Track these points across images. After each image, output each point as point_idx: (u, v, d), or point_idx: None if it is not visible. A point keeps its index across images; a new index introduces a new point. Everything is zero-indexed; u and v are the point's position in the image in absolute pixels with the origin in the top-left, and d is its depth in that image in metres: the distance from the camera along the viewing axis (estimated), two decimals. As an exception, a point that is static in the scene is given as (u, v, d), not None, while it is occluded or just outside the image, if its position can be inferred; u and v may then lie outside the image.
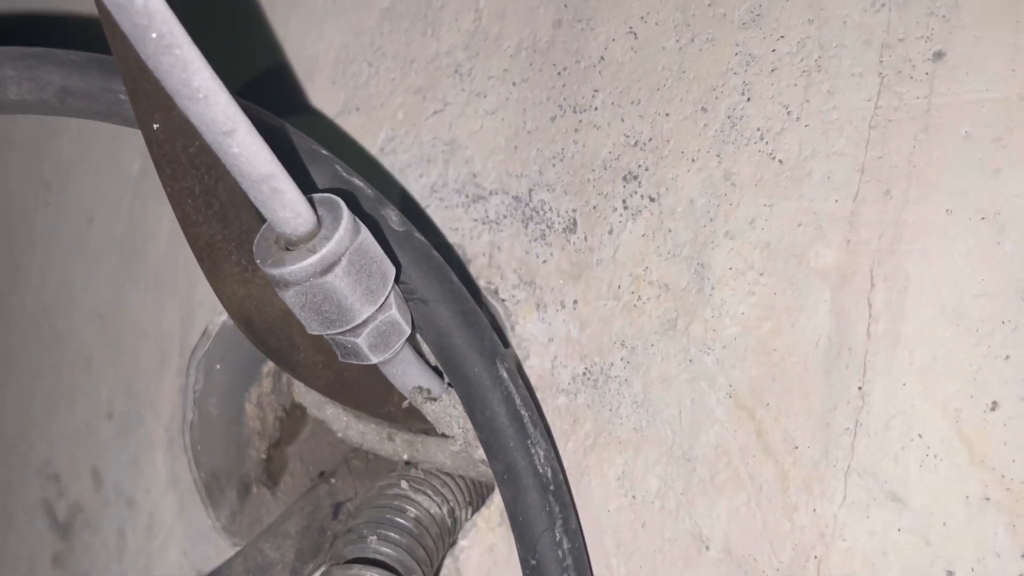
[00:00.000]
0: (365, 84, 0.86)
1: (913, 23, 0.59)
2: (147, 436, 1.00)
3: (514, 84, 0.77)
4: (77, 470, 1.09)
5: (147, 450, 1.00)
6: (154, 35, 0.50)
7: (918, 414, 0.57)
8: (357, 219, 0.61)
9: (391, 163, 0.83)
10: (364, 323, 0.63)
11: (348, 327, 0.62)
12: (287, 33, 0.93)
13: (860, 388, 0.59)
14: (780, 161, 0.63)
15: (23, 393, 1.18)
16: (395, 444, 0.76)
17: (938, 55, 0.59)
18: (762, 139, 0.64)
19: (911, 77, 0.59)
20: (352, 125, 0.86)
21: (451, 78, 0.81)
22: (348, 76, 0.87)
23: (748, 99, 0.65)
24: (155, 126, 0.64)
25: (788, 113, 0.63)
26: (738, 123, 0.65)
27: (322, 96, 0.89)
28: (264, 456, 0.81)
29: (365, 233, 0.61)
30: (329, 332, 0.63)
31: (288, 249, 0.60)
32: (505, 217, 0.76)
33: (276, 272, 0.59)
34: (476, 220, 0.77)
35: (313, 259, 0.58)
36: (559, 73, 0.74)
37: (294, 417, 0.83)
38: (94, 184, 1.10)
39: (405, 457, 0.76)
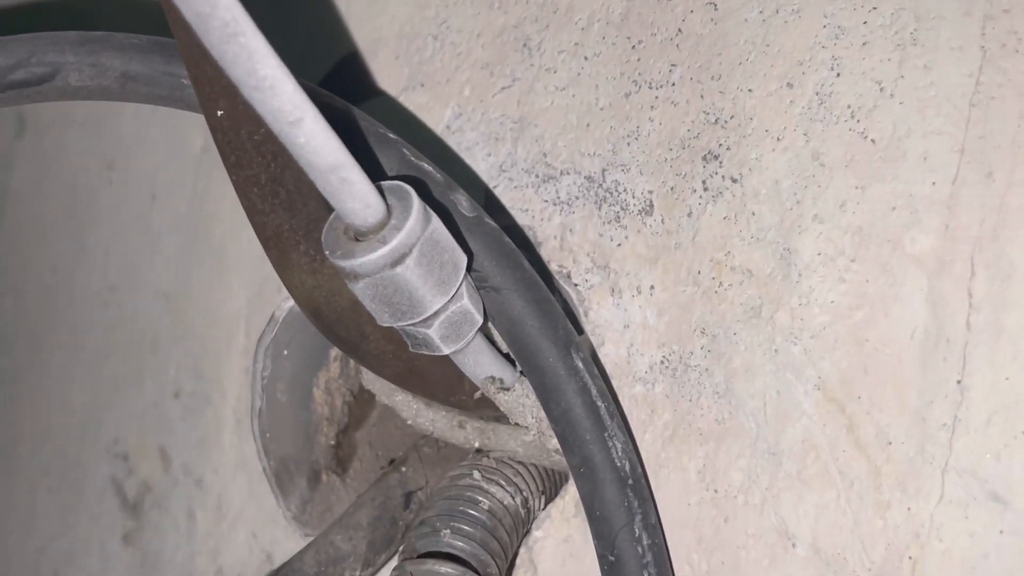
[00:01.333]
0: (430, 59, 0.84)
1: (1019, -8, 0.56)
2: (215, 417, 1.00)
3: (586, 59, 0.74)
4: (145, 449, 1.09)
5: (215, 431, 1.00)
6: (217, 23, 0.48)
7: (1022, 410, 0.54)
8: (427, 207, 0.59)
9: (458, 142, 0.81)
10: (436, 314, 0.61)
11: (420, 318, 0.60)
12: (349, 7, 0.91)
13: (959, 382, 0.56)
14: (872, 141, 0.60)
15: (91, 372, 1.18)
16: (466, 432, 0.74)
17: (1047, 26, 0.55)
18: (853, 117, 0.61)
19: (1017, 51, 0.55)
20: (417, 102, 0.84)
21: (519, 52, 0.78)
22: (412, 51, 0.85)
23: (838, 75, 0.61)
24: (219, 113, 0.62)
25: (881, 90, 0.60)
26: (827, 100, 0.62)
27: (386, 72, 0.87)
28: (333, 443, 0.80)
29: (436, 222, 0.59)
30: (400, 324, 0.61)
31: (358, 240, 0.58)
32: (577, 198, 0.73)
33: (346, 264, 0.57)
34: (547, 201, 0.75)
35: (383, 251, 0.56)
36: (633, 47, 0.71)
37: (362, 401, 0.82)
38: (156, 162, 1.09)
39: (476, 445, 0.74)
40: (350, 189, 0.55)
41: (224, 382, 0.99)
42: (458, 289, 0.61)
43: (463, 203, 0.66)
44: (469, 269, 0.64)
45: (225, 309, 0.99)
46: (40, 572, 1.23)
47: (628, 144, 0.71)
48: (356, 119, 0.66)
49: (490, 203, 0.77)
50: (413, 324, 0.61)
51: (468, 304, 0.63)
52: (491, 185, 0.78)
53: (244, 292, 0.97)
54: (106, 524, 1.14)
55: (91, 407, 1.18)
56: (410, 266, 0.57)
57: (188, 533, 1.03)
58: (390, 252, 0.57)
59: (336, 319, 0.67)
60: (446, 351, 0.63)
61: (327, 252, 0.59)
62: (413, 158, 0.66)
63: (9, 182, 1.32)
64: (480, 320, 0.64)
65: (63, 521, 1.22)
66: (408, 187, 0.59)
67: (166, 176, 1.07)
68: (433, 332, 0.62)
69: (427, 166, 0.66)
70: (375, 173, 0.65)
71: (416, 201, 0.58)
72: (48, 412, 1.25)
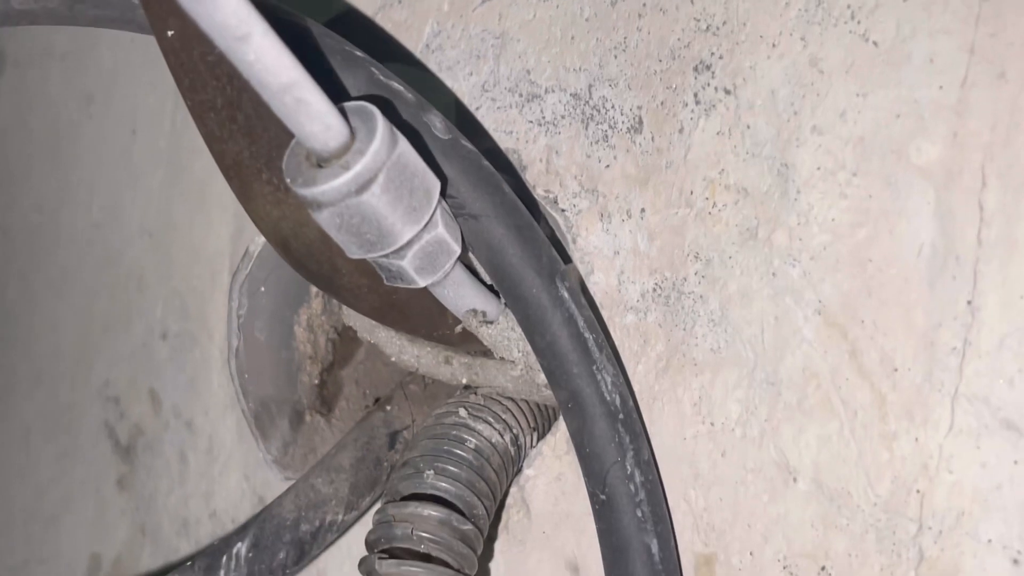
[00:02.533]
0: (407, -26, 0.79)
1: None
2: (202, 357, 0.97)
3: (569, -34, 0.69)
4: (136, 392, 1.06)
5: (203, 372, 0.97)
6: (148, -71, 0.43)
7: (1039, 331, 0.50)
8: (394, 129, 0.55)
9: (438, 60, 0.76)
10: (408, 244, 0.57)
11: (391, 249, 0.57)
12: (323, -79, 0.85)
13: (970, 302, 0.52)
14: (874, 43, 0.55)
15: (80, 312, 1.15)
16: (453, 368, 0.70)
17: (1066, -92, 0.49)
18: (853, 18, 0.56)
19: (1032, -64, 0.50)
20: (395, 19, 0.79)
21: (500, -37, 0.73)
22: (389, -34, 0.80)
23: (836, -29, 0.56)
24: (169, 33, 0.58)
25: (884, -14, 0.55)
26: (824, 0, 0.57)
27: (362, -11, 0.82)
28: (317, 381, 0.77)
29: (404, 144, 0.55)
30: (371, 255, 0.57)
31: (320, 166, 0.54)
32: (563, 117, 0.69)
33: (307, 192, 0.53)
34: (531, 122, 0.70)
35: (347, 176, 0.52)
36: (619, -49, 0.66)
37: (347, 339, 0.78)
38: (136, 95, 1.05)
39: (464, 381, 0.70)
40: (307, 110, 0.51)
41: (210, 321, 0.95)
42: (431, 216, 0.57)
43: (437, 125, 0.62)
44: (444, 195, 0.60)
45: (208, 246, 0.95)
46: (39, 517, 1.22)
47: (615, 57, 0.66)
48: (318, 36, 0.62)
49: (469, 125, 0.73)
50: (385, 255, 0.57)
51: (443, 232, 0.59)
52: (473, 107, 0.74)
53: (226, 228, 0.93)
54: (100, 468, 1.12)
55: (81, 349, 1.15)
56: (376, 192, 0.53)
57: (181, 476, 1.00)
58: (354, 178, 0.52)
59: (306, 252, 0.63)
60: (422, 283, 0.60)
61: (288, 180, 0.54)
62: (382, 77, 0.62)
63: (-9, 120, 1.28)
64: (458, 250, 0.60)
65: (59, 466, 1.20)
66: (373, 107, 0.54)
67: (146, 109, 1.03)
68: (407, 263, 0.58)
69: (397, 85, 0.62)
70: (340, 94, 0.61)
71: (381, 122, 0.53)
72: (40, 355, 1.23)
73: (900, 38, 0.54)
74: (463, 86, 0.74)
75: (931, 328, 0.53)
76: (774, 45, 0.59)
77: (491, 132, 0.73)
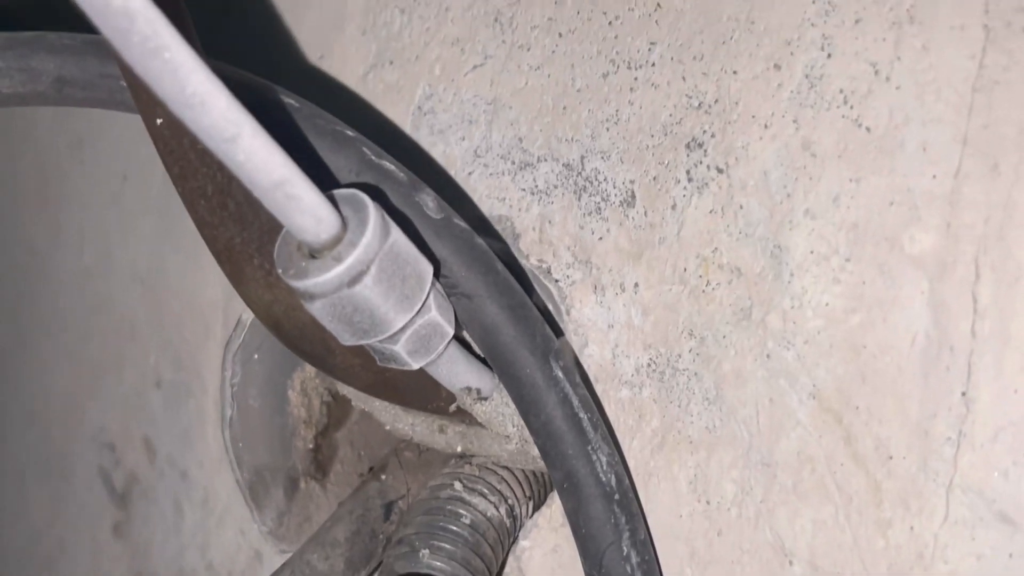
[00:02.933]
0: (398, 34, 0.78)
1: (1027, -36, 0.50)
2: (196, 408, 0.97)
3: (560, 35, 0.68)
4: (130, 440, 1.06)
5: (198, 423, 0.96)
6: (137, 38, 0.43)
7: (1033, 426, 0.50)
8: (386, 217, 0.54)
9: (430, 123, 0.76)
10: (402, 330, 0.57)
11: (384, 336, 0.56)
12: (312, -24, 0.85)
13: (964, 394, 0.52)
14: (867, 129, 0.55)
15: (71, 356, 1.15)
16: (447, 436, 0.70)
17: (1058, 4, 0.49)
18: (846, 103, 0.56)
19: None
20: (386, 80, 0.79)
21: (490, 28, 0.72)
22: (380, 25, 0.80)
23: (828, 55, 0.56)
24: (158, 121, 0.58)
25: (876, 72, 0.54)
26: (817, 83, 0.57)
27: (353, 47, 0.81)
28: (312, 446, 0.77)
29: (396, 233, 0.54)
30: (364, 342, 0.57)
31: (312, 256, 0.54)
32: (556, 187, 0.68)
33: (299, 284, 0.53)
34: (524, 190, 0.70)
35: (339, 269, 0.52)
36: (610, 23, 0.66)
37: (341, 401, 0.78)
38: (127, 141, 1.04)
39: (458, 449, 0.70)
40: (298, 205, 0.51)
41: (204, 373, 0.95)
42: (425, 302, 0.57)
43: (429, 204, 0.61)
44: (437, 276, 0.60)
45: (202, 297, 0.95)
46: (34, 560, 1.21)
47: (607, 129, 0.66)
48: (309, 117, 0.62)
49: (459, 195, 0.73)
50: (378, 341, 0.57)
51: (436, 316, 0.58)
52: (466, 172, 0.73)
53: (220, 280, 0.92)
54: (96, 514, 1.12)
55: (74, 393, 1.15)
56: (368, 284, 0.53)
57: (176, 526, 1.00)
58: (346, 271, 0.52)
59: (298, 333, 0.63)
60: (415, 366, 0.59)
61: (280, 271, 0.54)
62: (374, 157, 0.62)
63: (-20, 160, 1.28)
64: (451, 332, 0.59)
65: (54, 510, 1.19)
66: (364, 196, 0.54)
67: (137, 156, 1.03)
68: (400, 348, 0.58)
69: (389, 165, 0.62)
70: (330, 179, 0.61)
71: (373, 212, 0.53)
72: (32, 396, 1.22)
73: (893, 125, 0.54)
74: (455, 150, 0.74)
75: (926, 417, 0.53)
76: (766, 126, 0.59)
77: (484, 198, 0.72)
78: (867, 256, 0.55)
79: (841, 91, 0.56)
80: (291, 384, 0.76)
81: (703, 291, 0.61)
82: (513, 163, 0.71)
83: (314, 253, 0.54)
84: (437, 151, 0.75)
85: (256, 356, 0.73)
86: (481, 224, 0.72)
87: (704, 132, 0.61)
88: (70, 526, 1.16)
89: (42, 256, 1.19)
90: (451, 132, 0.74)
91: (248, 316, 0.72)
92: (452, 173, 0.74)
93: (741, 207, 0.60)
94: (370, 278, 0.53)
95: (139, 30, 0.43)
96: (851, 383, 0.55)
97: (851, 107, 0.55)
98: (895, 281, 0.54)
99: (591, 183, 0.66)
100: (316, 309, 0.54)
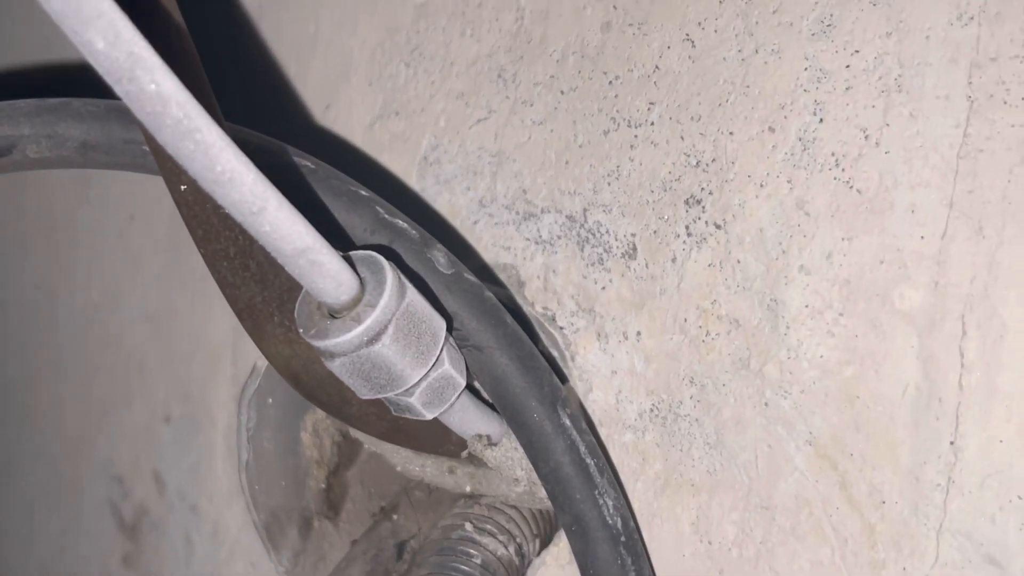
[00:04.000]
0: (404, 87, 0.81)
1: (1007, 40, 0.53)
2: (205, 443, 0.99)
3: (562, 92, 0.71)
4: (139, 473, 1.08)
5: (206, 458, 0.99)
6: (170, 121, 0.46)
7: (1017, 474, 0.53)
8: (402, 277, 0.57)
9: (436, 173, 0.79)
10: (417, 383, 0.60)
11: (400, 390, 0.59)
12: (318, 27, 0.88)
13: (952, 443, 0.55)
14: (858, 191, 0.58)
15: (80, 391, 1.17)
16: (456, 477, 0.73)
17: (1036, 78, 0.52)
18: (837, 165, 0.59)
19: (1005, 102, 0.53)
20: (392, 131, 0.82)
21: (494, 83, 0.75)
22: (386, 77, 0.82)
23: (820, 120, 0.59)
24: (183, 188, 0.60)
25: (866, 137, 0.58)
26: (810, 146, 0.60)
27: (359, 98, 0.84)
28: (324, 485, 0.79)
29: (412, 293, 0.57)
30: (381, 395, 0.60)
31: (332, 316, 0.57)
32: (559, 238, 0.71)
33: (320, 344, 0.56)
34: (528, 240, 0.73)
35: (358, 330, 0.55)
36: (611, 82, 0.69)
37: (352, 440, 0.81)
38: (134, 180, 1.06)
39: (468, 489, 0.73)
40: (320, 270, 0.54)
41: (213, 409, 0.97)
42: (439, 356, 0.60)
43: (440, 260, 0.64)
44: (450, 330, 0.62)
45: (210, 335, 0.98)
46: (43, 591, 1.24)
47: (609, 184, 0.69)
48: (326, 178, 0.64)
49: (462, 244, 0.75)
50: (395, 394, 0.60)
51: (449, 369, 0.61)
52: (471, 220, 0.76)
53: (228, 319, 0.95)
54: (105, 545, 1.14)
55: (83, 427, 1.17)
56: (386, 343, 0.56)
57: (186, 559, 1.03)
58: (365, 331, 0.55)
59: (316, 385, 0.65)
60: (429, 416, 0.62)
61: (301, 331, 0.57)
62: (387, 215, 0.64)
63: (-14, 196, 1.30)
64: (463, 383, 0.62)
65: (62, 541, 1.22)
66: (380, 259, 0.57)
67: (144, 196, 1.05)
68: (415, 400, 0.61)
69: (402, 223, 0.65)
70: (345, 240, 0.64)
71: (389, 274, 0.56)
72: (41, 430, 1.24)
73: (883, 188, 0.57)
74: (461, 200, 0.77)
75: (916, 464, 0.56)
76: (762, 185, 0.61)
77: (489, 247, 0.75)
78: (859, 311, 0.58)
79: (833, 154, 0.59)
80: (303, 426, 0.79)
81: (703, 341, 0.64)
82: (517, 213, 0.73)
83: (334, 313, 0.57)
84: (443, 200, 0.78)
85: (270, 400, 0.76)
86: (484, 271, 0.75)
87: (702, 189, 0.64)
88: (80, 557, 1.18)
89: (50, 293, 1.21)
90: (456, 182, 0.77)
91: (263, 363, 0.75)
92: (458, 222, 0.77)
93: (739, 262, 0.62)
94: (388, 337, 0.55)
95: (172, 114, 0.46)
96: (845, 431, 0.58)
97: (843, 169, 0.58)
98: (886, 335, 0.57)
99: (594, 235, 0.69)
100: (336, 366, 0.57)
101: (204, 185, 0.48)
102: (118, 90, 0.44)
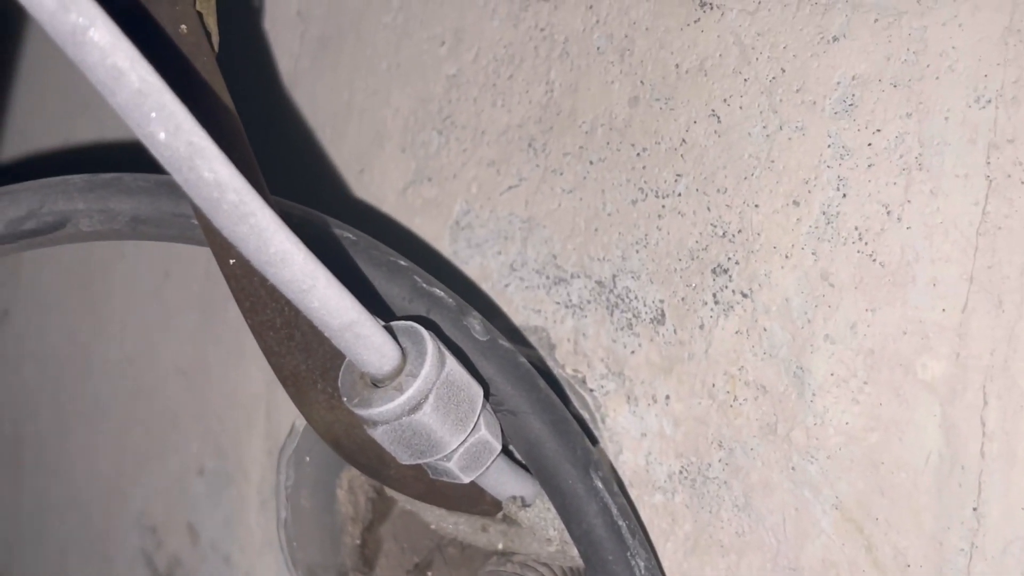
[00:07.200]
0: (436, 154, 0.84)
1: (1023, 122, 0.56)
2: (238, 496, 1.01)
3: (591, 163, 0.74)
4: (173, 524, 1.10)
5: (240, 511, 1.01)
6: (227, 207, 0.48)
7: (1039, 540, 0.55)
8: (442, 347, 0.60)
9: (467, 237, 0.81)
10: (455, 449, 0.62)
11: (439, 456, 0.61)
12: (352, 95, 0.91)
13: (975, 509, 0.57)
14: (881, 264, 0.60)
15: (115, 443, 1.20)
16: (489, 535, 0.75)
17: (1052, 160, 0.55)
18: (860, 239, 0.61)
19: (1022, 182, 0.55)
20: (425, 196, 0.84)
21: (525, 152, 0.78)
22: (418, 145, 0.85)
23: (844, 195, 0.62)
24: (231, 262, 0.63)
25: (888, 213, 0.60)
26: (834, 220, 0.62)
27: (392, 164, 0.87)
28: (359, 542, 0.81)
29: (451, 363, 0.60)
30: (420, 461, 0.62)
31: (375, 385, 0.59)
32: (589, 302, 0.74)
33: (364, 413, 0.58)
34: (559, 303, 0.75)
35: (401, 399, 0.57)
36: (638, 154, 0.71)
37: (385, 496, 0.83)
38: (168, 238, 1.09)
39: (500, 547, 0.75)
40: (365, 342, 0.56)
41: (246, 463, 1.00)
42: (476, 422, 0.62)
43: (476, 327, 0.67)
44: (486, 396, 0.65)
45: (244, 390, 1.00)
46: (76, 640, 1.26)
47: (637, 252, 0.71)
48: (367, 249, 0.67)
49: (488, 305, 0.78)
50: (433, 459, 0.62)
51: (486, 434, 0.63)
52: (503, 284, 0.79)
53: (262, 375, 0.97)
54: (138, 596, 1.16)
55: (116, 478, 1.19)
56: (427, 412, 0.58)
57: (220, 610, 1.05)
58: (407, 400, 0.58)
59: (357, 449, 0.68)
60: (466, 480, 0.64)
61: (344, 399, 0.59)
62: (424, 284, 0.67)
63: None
64: (499, 447, 0.64)
65: (95, 590, 1.24)
66: (421, 329, 0.59)
67: (179, 253, 1.08)
68: (453, 464, 0.63)
69: (439, 292, 0.67)
70: (386, 306, 0.66)
71: (430, 345, 0.58)
72: (74, 481, 1.27)
73: (905, 261, 0.59)
74: (492, 263, 0.79)
75: (940, 530, 0.58)
76: (787, 256, 0.64)
77: (520, 309, 0.78)
78: (883, 380, 0.60)
79: (856, 228, 0.61)
80: (339, 483, 0.81)
81: (731, 406, 0.66)
82: (548, 278, 0.76)
83: (376, 383, 0.59)
84: (474, 263, 0.81)
85: (308, 459, 0.78)
86: (515, 333, 0.77)
87: (729, 259, 0.66)
88: (112, 606, 1.20)
89: (84, 346, 1.24)
90: (488, 246, 0.80)
91: (301, 423, 0.77)
92: (488, 285, 0.80)
93: (765, 330, 0.65)
94: (429, 406, 0.58)
95: (228, 199, 0.48)
96: (871, 496, 0.60)
97: (865, 243, 0.61)
98: (909, 404, 0.59)
99: (623, 300, 0.72)
100: (378, 434, 0.59)
101: (257, 265, 0.51)
102: (177, 178, 0.47)
